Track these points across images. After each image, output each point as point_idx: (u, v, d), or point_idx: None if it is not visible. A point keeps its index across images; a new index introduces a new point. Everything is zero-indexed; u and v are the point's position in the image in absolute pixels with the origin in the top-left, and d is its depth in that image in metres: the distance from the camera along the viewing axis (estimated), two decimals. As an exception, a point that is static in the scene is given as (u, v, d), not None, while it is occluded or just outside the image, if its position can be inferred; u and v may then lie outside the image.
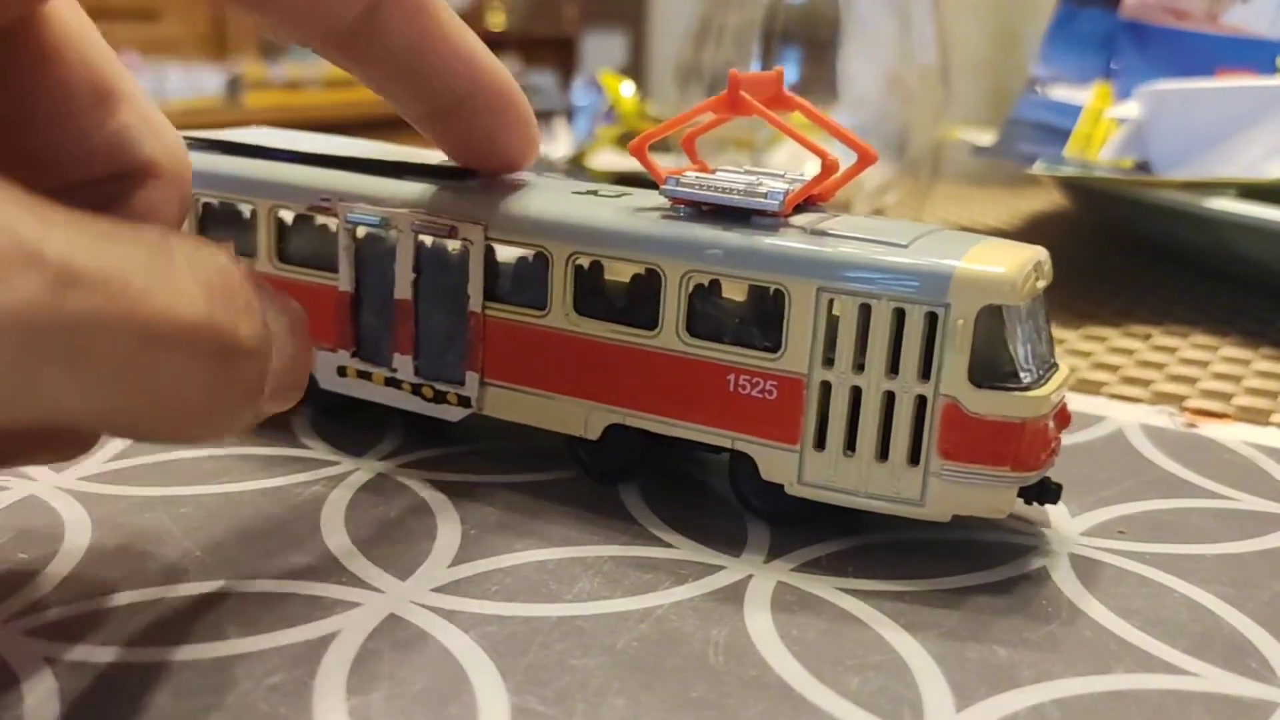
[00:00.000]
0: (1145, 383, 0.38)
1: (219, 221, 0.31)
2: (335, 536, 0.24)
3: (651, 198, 0.27)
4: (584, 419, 0.26)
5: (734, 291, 0.26)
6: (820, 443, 0.24)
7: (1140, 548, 0.26)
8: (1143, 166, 0.52)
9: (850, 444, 0.24)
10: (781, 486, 0.25)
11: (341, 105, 1.95)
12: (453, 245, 0.27)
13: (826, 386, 0.24)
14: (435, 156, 0.29)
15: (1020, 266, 0.23)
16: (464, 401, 0.28)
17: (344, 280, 0.28)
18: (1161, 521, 0.27)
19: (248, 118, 1.80)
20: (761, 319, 0.25)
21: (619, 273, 0.26)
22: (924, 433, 0.23)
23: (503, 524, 0.25)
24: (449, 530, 0.25)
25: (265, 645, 0.20)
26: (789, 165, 0.50)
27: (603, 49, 2.91)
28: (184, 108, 1.73)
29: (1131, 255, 0.55)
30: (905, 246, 0.23)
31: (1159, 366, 0.40)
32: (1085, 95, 0.58)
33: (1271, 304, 0.48)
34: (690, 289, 0.25)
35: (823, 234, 0.24)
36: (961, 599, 0.23)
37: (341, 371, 0.29)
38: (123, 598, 0.22)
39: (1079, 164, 0.53)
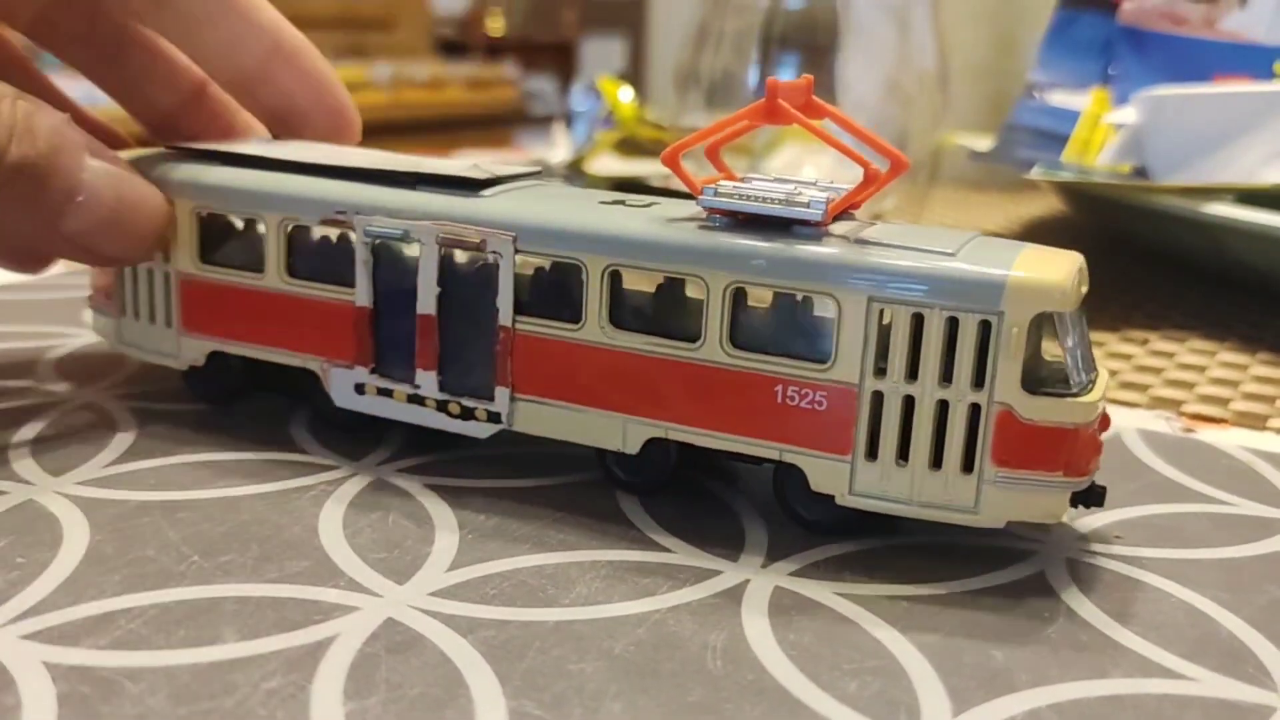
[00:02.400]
0: (1143, 387, 0.38)
1: (219, 235, 0.30)
2: (333, 541, 0.24)
3: (683, 207, 0.26)
4: (621, 433, 0.26)
5: (775, 302, 0.26)
6: (872, 452, 0.24)
7: (1137, 552, 0.26)
8: (1140, 172, 0.52)
9: (903, 453, 0.24)
10: (831, 497, 0.25)
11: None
12: (480, 258, 0.27)
13: (878, 396, 0.24)
14: (449, 165, 0.28)
15: (1069, 273, 0.23)
16: (494, 418, 0.27)
17: (361, 295, 0.28)
18: (1158, 526, 0.27)
19: (247, 122, 1.80)
20: (808, 329, 0.25)
21: (650, 284, 0.26)
22: (978, 440, 0.23)
23: (500, 528, 0.25)
24: (446, 535, 0.25)
25: (262, 650, 0.20)
26: (786, 171, 0.51)
27: (601, 54, 2.91)
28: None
29: (1129, 260, 0.55)
30: (953, 255, 0.23)
31: (1156, 371, 0.40)
32: (1083, 100, 0.58)
33: (1269, 309, 0.48)
34: (734, 300, 0.25)
35: (867, 243, 0.24)
36: (959, 603, 0.23)
37: (359, 389, 0.28)
38: (120, 602, 0.22)
39: (1077, 169, 0.53)
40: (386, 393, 0.28)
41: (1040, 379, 0.23)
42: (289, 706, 0.19)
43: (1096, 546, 0.26)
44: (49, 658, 0.20)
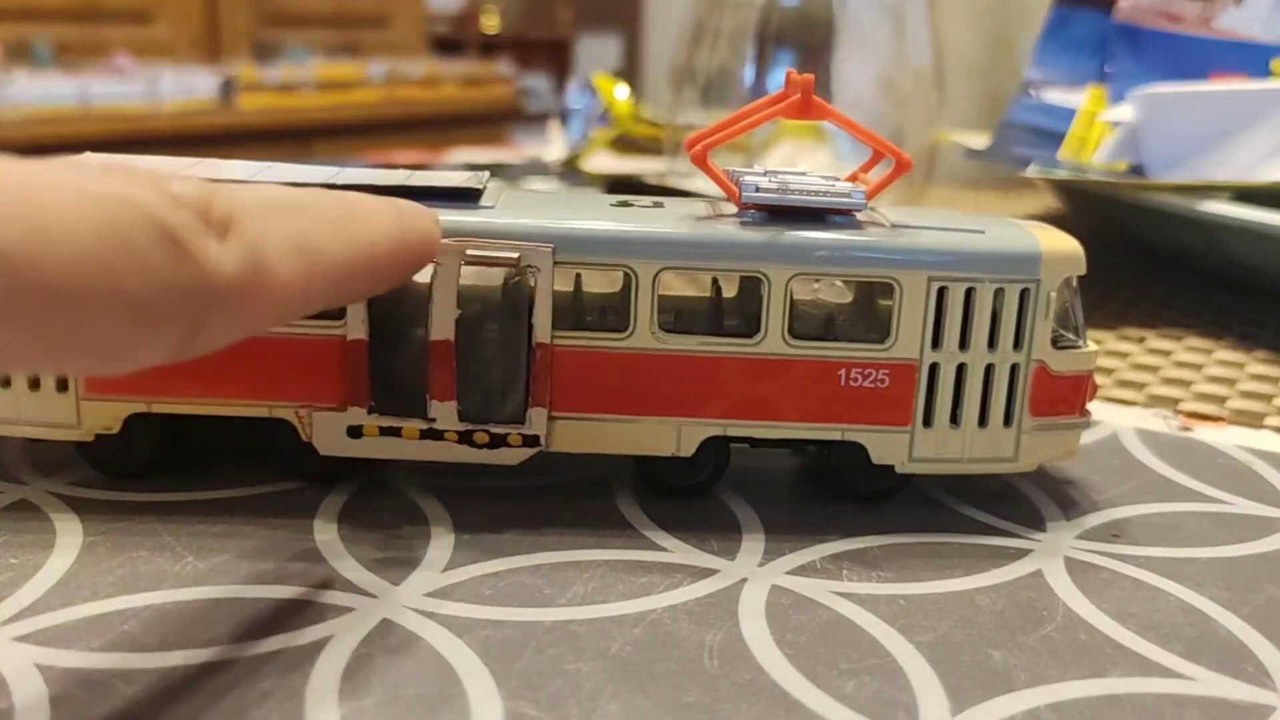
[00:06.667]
0: (1140, 386, 0.38)
1: None
2: (328, 541, 0.24)
3: (698, 206, 0.27)
4: (675, 437, 0.26)
5: (806, 290, 0.28)
6: (928, 420, 0.26)
7: (1135, 551, 0.26)
8: (1137, 169, 0.52)
9: (954, 417, 0.26)
10: (890, 468, 0.26)
11: (337, 108, 1.94)
12: (504, 274, 0.25)
13: (934, 367, 0.26)
14: (430, 178, 0.26)
15: (1077, 243, 0.26)
16: (530, 441, 0.25)
17: (355, 327, 0.25)
18: (1156, 525, 0.27)
19: (242, 120, 1.79)
20: (863, 312, 0.27)
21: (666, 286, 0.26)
22: (1016, 396, 0.26)
23: (496, 528, 0.25)
24: (442, 535, 0.25)
25: (258, 650, 0.20)
26: (785, 166, 0.50)
27: (597, 52, 2.91)
28: (178, 110, 1.73)
29: (1125, 258, 0.55)
30: (983, 233, 0.26)
31: (1153, 370, 0.40)
32: (1079, 98, 0.58)
33: (1265, 307, 0.48)
34: (792, 292, 0.25)
35: (906, 227, 0.26)
36: (956, 602, 0.23)
37: (354, 432, 0.25)
38: (114, 603, 0.21)
39: (1073, 167, 0.53)
40: (393, 432, 0.25)
41: (1061, 335, 0.26)
42: (284, 707, 0.19)
43: (1094, 545, 0.26)
44: (42, 660, 0.20)
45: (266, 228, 0.18)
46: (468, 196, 0.25)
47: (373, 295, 0.22)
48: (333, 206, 0.20)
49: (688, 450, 0.26)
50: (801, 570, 0.24)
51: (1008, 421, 0.26)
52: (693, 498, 0.27)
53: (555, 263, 0.24)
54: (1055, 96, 0.61)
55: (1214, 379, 0.39)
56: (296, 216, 0.19)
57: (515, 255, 0.24)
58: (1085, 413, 0.27)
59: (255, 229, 0.17)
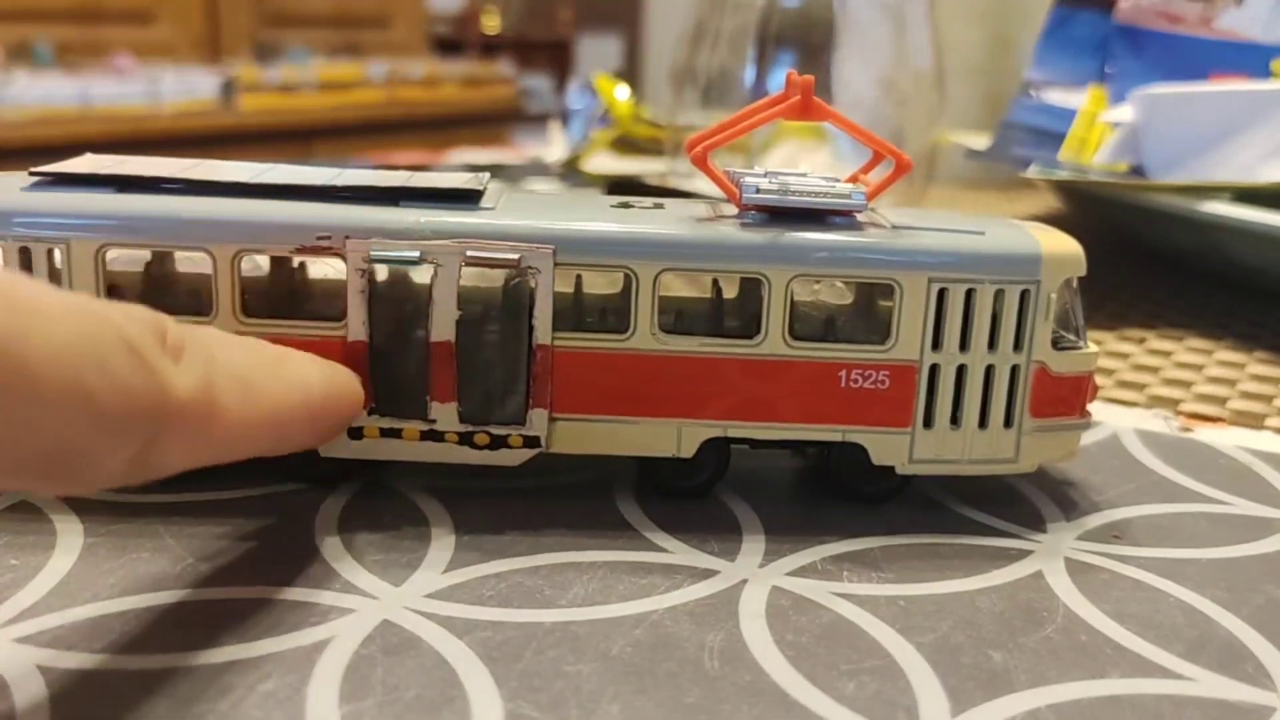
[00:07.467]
0: (1140, 386, 0.38)
1: (127, 279, 0.26)
2: (329, 543, 0.24)
3: (698, 207, 0.27)
4: (676, 438, 0.26)
5: (807, 292, 0.28)
6: (928, 421, 0.26)
7: (1135, 552, 0.26)
8: (1137, 170, 0.52)
9: (955, 418, 0.26)
10: (890, 469, 0.26)
11: (337, 108, 1.94)
12: (504, 275, 0.25)
13: (935, 369, 0.26)
14: (427, 179, 0.26)
15: (1077, 244, 0.26)
16: (531, 442, 0.26)
17: (355, 328, 0.25)
18: (1156, 526, 0.27)
19: (242, 121, 1.79)
20: (863, 313, 0.27)
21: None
22: (1017, 397, 0.26)
23: (496, 529, 0.25)
24: (443, 536, 0.25)
25: (258, 652, 0.20)
26: (785, 167, 0.51)
27: (598, 52, 2.91)
28: (178, 111, 1.73)
29: (1126, 259, 0.55)
30: (983, 234, 0.26)
31: (1154, 370, 0.40)
32: (1079, 99, 0.58)
33: (1265, 307, 0.48)
34: (793, 293, 0.25)
35: (906, 228, 0.26)
36: (957, 603, 0.23)
37: (355, 433, 0.25)
38: (115, 605, 0.21)
39: (1073, 168, 0.53)
40: (393, 433, 0.25)
41: (1062, 336, 0.27)
42: (285, 708, 0.19)
43: (1094, 546, 0.26)
44: (43, 661, 0.20)
45: (215, 357, 0.19)
46: (468, 198, 0.25)
47: (304, 448, 0.23)
48: (268, 350, 0.21)
49: (688, 451, 0.26)
50: (802, 571, 0.24)
51: (1008, 423, 0.26)
52: (693, 499, 0.27)
53: (556, 264, 0.24)
54: (1055, 97, 0.61)
55: (1214, 380, 0.39)
56: (238, 353, 0.20)
57: (516, 256, 0.24)
58: (1086, 414, 0.27)
59: (205, 356, 0.18)
